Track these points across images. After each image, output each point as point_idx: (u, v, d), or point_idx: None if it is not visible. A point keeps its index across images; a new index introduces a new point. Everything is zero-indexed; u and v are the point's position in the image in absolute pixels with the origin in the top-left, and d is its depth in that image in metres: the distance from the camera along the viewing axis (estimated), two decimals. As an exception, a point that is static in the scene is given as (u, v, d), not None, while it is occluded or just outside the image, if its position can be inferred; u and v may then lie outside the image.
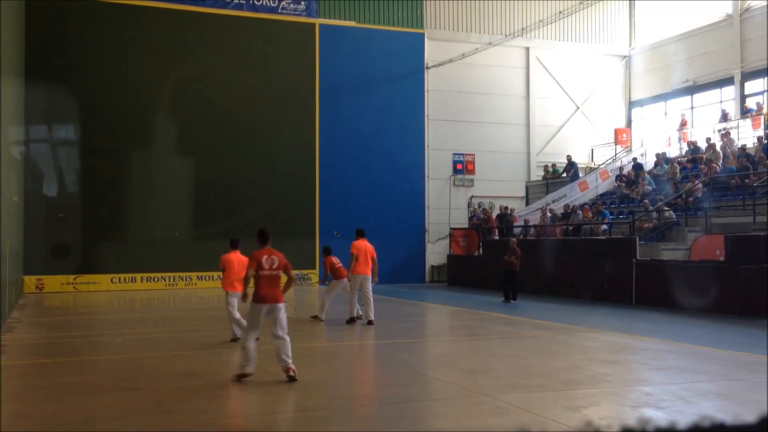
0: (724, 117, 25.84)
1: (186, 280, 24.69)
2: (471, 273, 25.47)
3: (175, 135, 25.48)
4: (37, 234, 23.13)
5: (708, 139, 24.02)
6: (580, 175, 28.25)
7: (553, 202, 26.65)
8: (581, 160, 29.97)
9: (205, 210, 24.99)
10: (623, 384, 8.46)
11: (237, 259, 11.54)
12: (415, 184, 28.24)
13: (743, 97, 25.99)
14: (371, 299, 14.03)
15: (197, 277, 24.62)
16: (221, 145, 25.56)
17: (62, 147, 24.39)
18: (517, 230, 25.83)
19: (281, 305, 8.43)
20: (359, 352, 10.93)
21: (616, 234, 21.23)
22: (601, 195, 26.51)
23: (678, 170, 23.71)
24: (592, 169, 28.91)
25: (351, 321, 14.18)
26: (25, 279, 22.51)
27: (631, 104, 31.44)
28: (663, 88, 29.68)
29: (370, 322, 13.81)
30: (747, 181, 19.70)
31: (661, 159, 25.36)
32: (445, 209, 28.84)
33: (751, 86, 26.06)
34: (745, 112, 25.32)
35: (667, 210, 20.67)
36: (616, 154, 29.71)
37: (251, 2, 26.17)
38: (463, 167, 29.24)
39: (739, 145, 22.94)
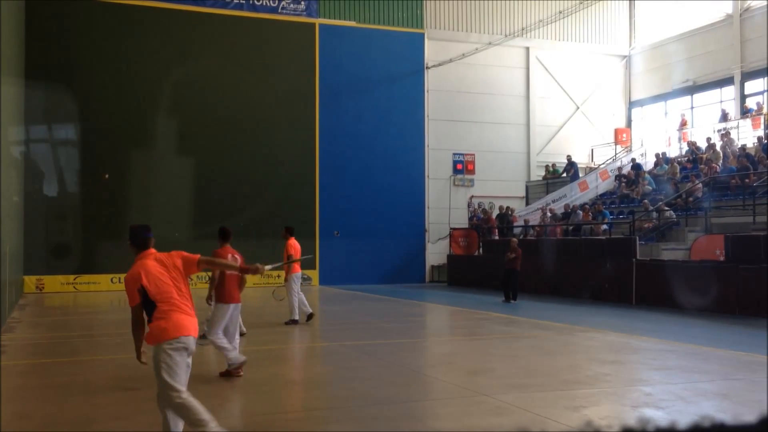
0: (724, 117, 25.84)
1: (186, 280, 24.67)
2: (471, 273, 25.45)
3: (175, 135, 25.46)
4: (37, 234, 23.11)
5: (708, 139, 24.03)
6: (580, 175, 28.25)
7: (553, 202, 26.66)
8: (581, 160, 29.96)
9: (206, 210, 24.97)
10: (623, 384, 8.46)
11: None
12: (415, 184, 28.22)
13: (743, 97, 25.98)
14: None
15: (197, 277, 24.60)
16: (221, 145, 25.54)
17: (62, 147, 24.38)
18: (517, 230, 25.83)
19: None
20: (359, 352, 10.92)
21: (616, 234, 21.23)
22: (601, 195, 26.51)
23: (678, 170, 23.71)
24: (592, 169, 28.90)
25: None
26: (25, 279, 22.49)
27: (631, 104, 31.44)
28: (663, 88, 29.67)
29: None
30: (747, 181, 19.70)
31: (661, 159, 25.37)
32: (445, 209, 28.83)
33: (751, 86, 26.06)
34: (745, 112, 25.31)
35: (667, 210, 20.67)
36: (616, 154, 29.70)
37: (251, 2, 26.16)
38: (463, 167, 29.22)
39: (739, 145, 22.94)
